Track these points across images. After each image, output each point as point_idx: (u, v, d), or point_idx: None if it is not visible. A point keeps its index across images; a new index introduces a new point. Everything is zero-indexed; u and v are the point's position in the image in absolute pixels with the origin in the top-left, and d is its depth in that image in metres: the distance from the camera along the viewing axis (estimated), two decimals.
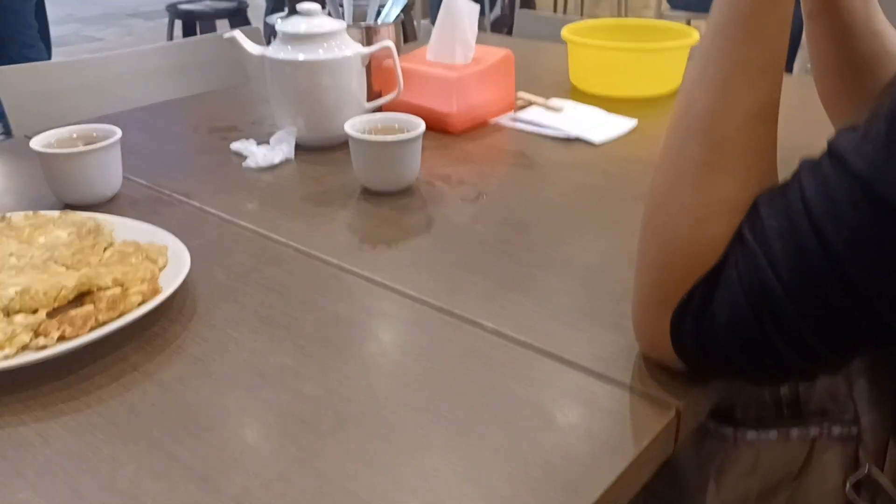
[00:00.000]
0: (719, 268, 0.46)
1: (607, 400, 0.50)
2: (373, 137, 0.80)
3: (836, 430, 0.58)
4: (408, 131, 0.82)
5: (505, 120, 1.04)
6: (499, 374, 0.53)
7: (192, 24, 3.61)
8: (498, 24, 4.16)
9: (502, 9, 4.26)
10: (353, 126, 0.82)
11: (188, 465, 0.45)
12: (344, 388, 0.52)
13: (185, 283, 0.62)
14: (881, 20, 0.72)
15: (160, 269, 0.63)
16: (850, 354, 0.45)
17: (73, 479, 0.44)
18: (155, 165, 0.91)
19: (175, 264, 0.64)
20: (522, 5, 3.88)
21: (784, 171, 0.48)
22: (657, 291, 0.48)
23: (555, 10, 4.48)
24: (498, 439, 0.47)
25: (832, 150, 0.42)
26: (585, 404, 0.50)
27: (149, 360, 0.55)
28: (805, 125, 0.79)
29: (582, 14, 4.49)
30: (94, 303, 0.58)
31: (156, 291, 0.59)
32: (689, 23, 3.23)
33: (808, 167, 0.44)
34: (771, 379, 0.49)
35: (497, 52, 1.03)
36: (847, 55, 0.74)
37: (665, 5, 3.35)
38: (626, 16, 4.08)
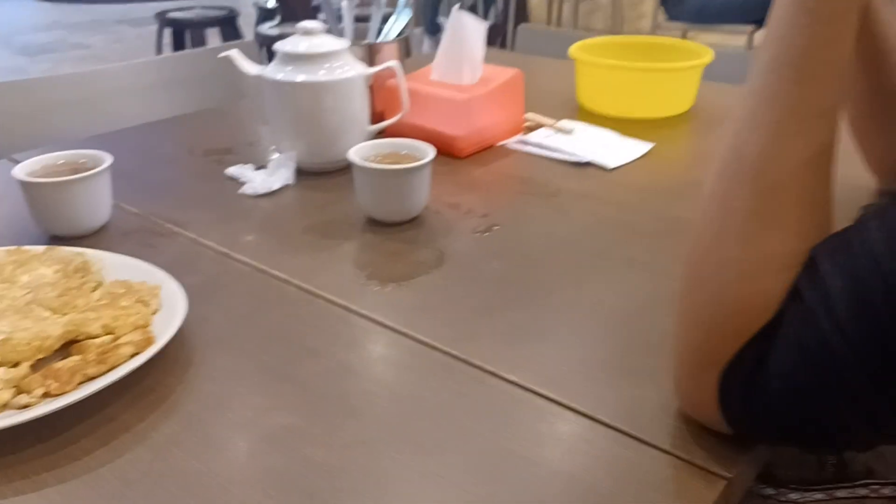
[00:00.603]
0: (773, 328, 0.42)
1: (647, 468, 0.46)
2: (379, 166, 0.76)
3: (887, 490, 0.54)
4: (416, 158, 0.77)
5: (513, 143, 0.99)
6: (523, 435, 0.48)
7: (182, 32, 3.55)
8: (491, 34, 4.13)
9: (496, 18, 4.24)
10: (358, 153, 0.77)
11: None
12: (354, 453, 0.47)
13: (180, 329, 0.57)
14: None
15: (153, 314, 0.59)
16: None
17: None
18: (147, 192, 0.86)
19: (169, 307, 0.59)
20: (517, 14, 3.85)
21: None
22: (702, 352, 0.44)
23: (548, 22, 4.46)
24: None
25: None
26: (623, 473, 0.45)
27: (141, 418, 0.50)
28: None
29: (576, 25, 4.47)
30: (81, 353, 0.53)
31: (149, 341, 0.54)
32: (684, 34, 3.21)
33: (875, 217, 0.40)
34: (831, 448, 0.45)
35: (505, 71, 0.99)
36: (881, 82, 0.70)
37: (661, 17, 3.33)
38: (622, 27, 4.05)
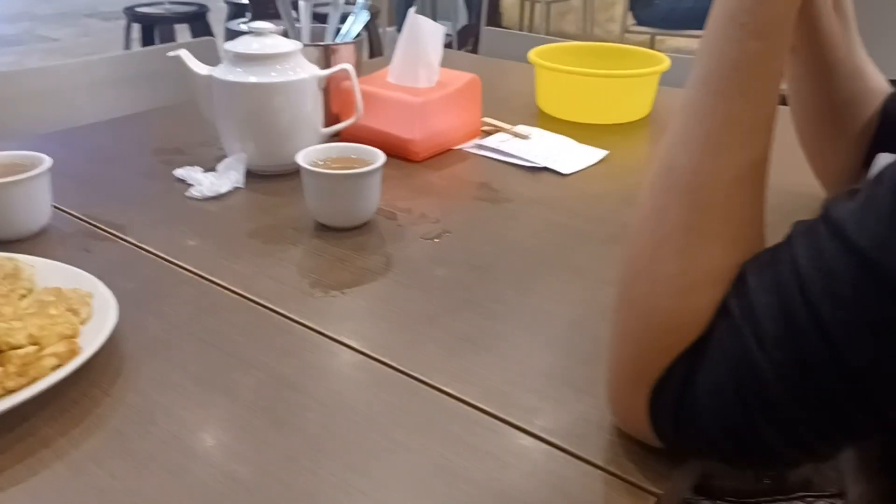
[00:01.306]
0: (702, 343, 0.41)
1: (579, 483, 0.45)
2: (327, 171, 0.74)
3: (822, 503, 0.54)
4: (366, 163, 0.76)
5: (470, 147, 0.99)
6: (459, 452, 0.48)
7: (150, 27, 3.50)
8: (464, 33, 4.12)
9: (469, 18, 4.23)
10: (307, 157, 0.76)
11: None
12: (283, 471, 0.46)
13: (111, 338, 0.55)
14: (862, 57, 0.69)
15: (83, 323, 0.57)
16: (844, 445, 0.40)
17: None
18: (91, 193, 0.84)
19: (100, 316, 0.57)
20: (489, 18, 3.85)
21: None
22: (634, 366, 0.44)
23: (520, 24, 4.46)
24: None
25: (829, 220, 0.38)
26: (554, 488, 0.45)
27: (62, 433, 0.49)
28: (778, 163, 0.75)
29: (548, 27, 4.47)
30: (3, 365, 0.52)
31: (74, 353, 0.52)
32: (652, 39, 3.23)
33: (802, 234, 0.40)
34: (755, 465, 0.45)
35: (463, 76, 0.98)
36: (827, 92, 0.71)
37: (630, 21, 3.35)
38: (593, 29, 4.07)
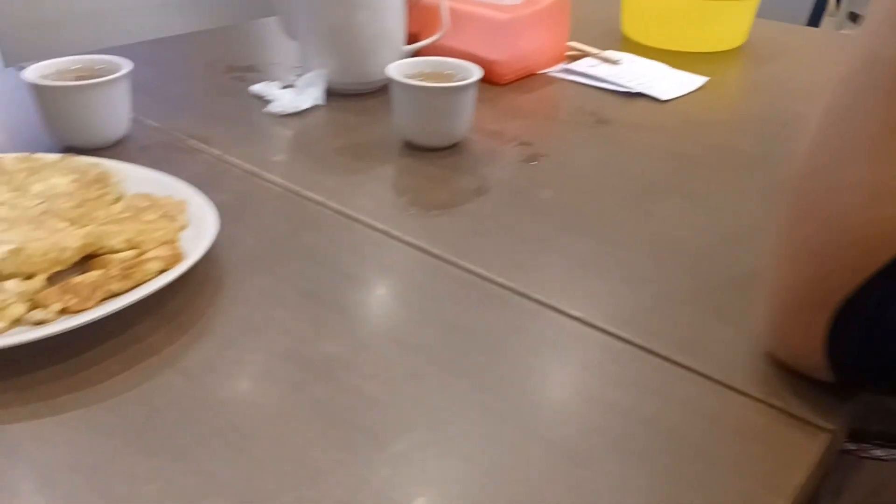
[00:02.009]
0: None
1: (739, 417, 0.41)
2: (423, 83, 0.69)
3: None
4: (461, 78, 0.71)
5: (556, 72, 0.93)
6: (599, 378, 0.44)
7: None
8: None
9: None
10: (398, 70, 0.71)
11: (228, 486, 0.36)
12: (411, 388, 0.42)
13: (209, 248, 0.52)
14: None
15: (181, 230, 0.53)
16: None
17: (80, 500, 0.35)
18: (166, 106, 0.80)
19: (198, 225, 0.54)
20: None
21: None
22: (813, 288, 0.39)
23: None
24: (613, 467, 0.38)
25: None
26: (713, 422, 0.41)
27: (170, 342, 0.45)
28: None
29: None
30: (103, 268, 0.48)
31: (178, 257, 0.49)
32: None
33: None
34: None
35: None
36: None
37: None
38: None
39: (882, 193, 0.37)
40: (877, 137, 0.37)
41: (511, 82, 0.89)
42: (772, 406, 0.41)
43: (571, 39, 0.99)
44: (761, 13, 1.06)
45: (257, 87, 0.83)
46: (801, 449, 0.39)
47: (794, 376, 0.43)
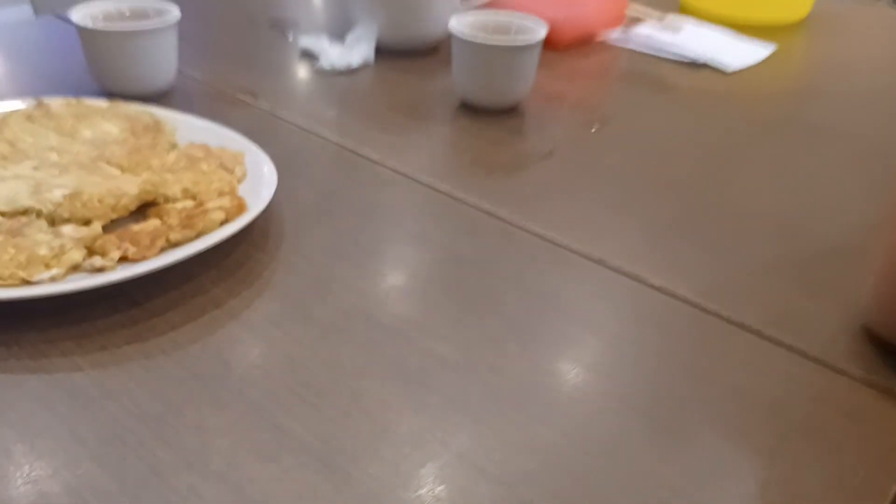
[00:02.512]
0: None
1: (840, 395, 0.38)
2: (488, 40, 0.66)
3: None
4: (524, 34, 0.68)
5: (616, 38, 0.89)
6: (693, 351, 0.41)
7: None
8: None
9: None
10: (461, 24, 0.67)
11: (303, 443, 0.34)
12: (488, 352, 0.40)
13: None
14: None
15: (238, 182, 0.51)
16: None
17: (148, 451, 0.33)
18: (211, 58, 0.77)
19: (255, 176, 0.51)
20: None
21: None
22: None
23: None
24: (711, 441, 0.35)
25: None
26: (814, 399, 0.38)
27: (233, 295, 0.43)
28: None
29: None
30: (161, 217, 0.46)
31: (241, 208, 0.46)
32: None
33: None
34: None
35: None
36: None
37: None
38: None
39: None
40: None
41: (568, 46, 0.86)
42: (874, 386, 0.39)
43: (632, 2, 0.95)
44: None
45: (305, 42, 0.80)
46: None
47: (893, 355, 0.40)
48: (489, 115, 0.68)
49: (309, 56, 0.79)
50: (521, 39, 0.66)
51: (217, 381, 0.37)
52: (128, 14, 0.67)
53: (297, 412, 0.35)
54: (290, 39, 0.78)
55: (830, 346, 0.41)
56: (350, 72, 0.76)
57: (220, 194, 0.48)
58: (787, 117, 0.71)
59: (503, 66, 0.66)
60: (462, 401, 0.37)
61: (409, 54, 0.81)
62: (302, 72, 0.76)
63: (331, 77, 0.75)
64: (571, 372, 0.39)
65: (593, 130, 0.66)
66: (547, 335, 0.41)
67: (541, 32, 0.67)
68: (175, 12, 0.66)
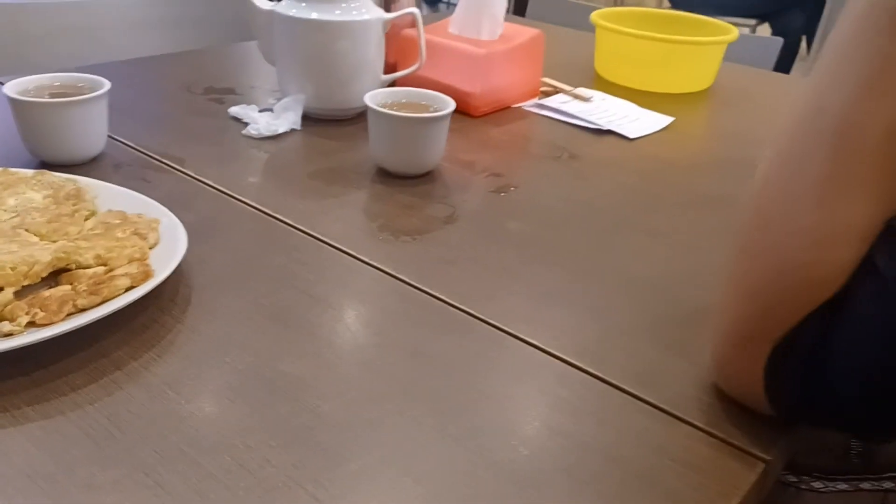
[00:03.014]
0: (841, 302, 0.38)
1: (682, 446, 0.43)
2: (399, 113, 0.71)
3: None
4: (435, 109, 0.73)
5: (529, 106, 0.95)
6: (551, 405, 0.45)
7: None
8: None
9: None
10: (375, 99, 0.73)
11: (183, 499, 0.37)
12: (368, 411, 0.43)
13: (178, 267, 0.53)
14: None
15: (151, 248, 0.54)
16: None
17: None
18: (143, 126, 0.81)
19: (168, 243, 0.55)
20: None
21: None
22: (756, 323, 0.41)
23: None
24: (562, 492, 0.39)
25: None
26: (657, 450, 0.42)
27: (134, 357, 0.46)
28: None
29: None
30: (72, 283, 0.49)
31: (147, 275, 0.50)
32: None
33: None
34: (885, 435, 0.42)
35: (526, 31, 0.95)
36: None
37: (666, 4, 3.28)
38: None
39: (824, 238, 0.39)
40: (821, 185, 0.39)
41: (485, 114, 0.92)
42: (714, 436, 0.43)
43: (546, 76, 1.03)
44: (731, 57, 1.10)
45: (235, 110, 0.85)
46: (738, 477, 0.40)
47: (737, 408, 0.45)
48: (403, 180, 0.73)
49: (239, 123, 0.83)
50: (429, 113, 0.71)
51: (109, 440, 0.40)
52: (58, 86, 0.71)
53: (181, 470, 0.38)
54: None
55: (681, 400, 0.46)
56: (277, 138, 0.81)
57: (131, 261, 0.51)
58: (678, 185, 0.78)
59: (413, 137, 0.72)
60: (339, 457, 0.40)
61: (334, 121, 0.86)
62: (231, 138, 0.80)
63: (258, 143, 0.79)
64: (449, 427, 0.43)
65: (506, 191, 0.71)
66: (427, 392, 0.45)
67: (448, 107, 0.72)
68: (104, 86, 0.70)
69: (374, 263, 0.59)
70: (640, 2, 4.58)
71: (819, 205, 0.39)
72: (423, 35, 0.86)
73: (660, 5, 3.42)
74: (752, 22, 3.01)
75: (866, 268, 0.38)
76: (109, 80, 0.71)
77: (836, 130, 0.39)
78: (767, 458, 0.42)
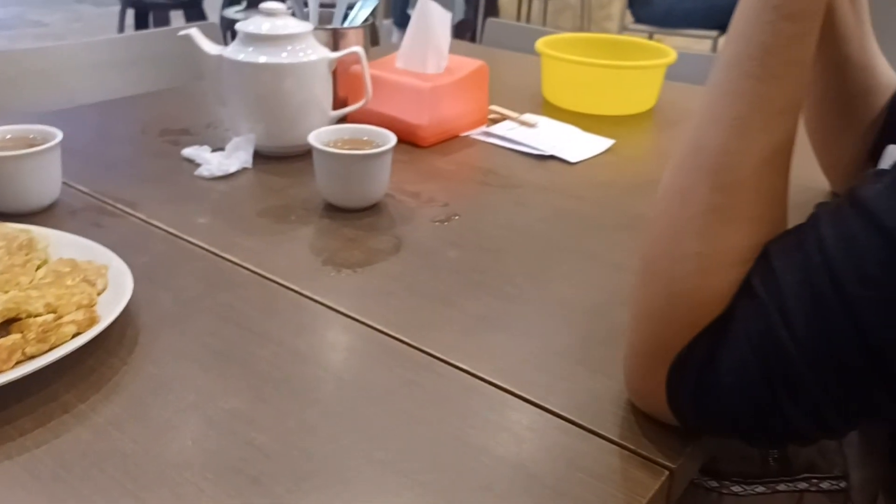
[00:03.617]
0: (724, 321, 0.42)
1: (594, 457, 0.46)
2: (339, 151, 0.75)
3: (825, 485, 0.55)
4: (377, 145, 0.76)
5: (477, 134, 0.99)
6: (476, 426, 0.48)
7: (145, 13, 3.47)
8: (461, 28, 4.12)
9: (465, 13, 4.23)
10: (318, 138, 0.76)
11: None
12: (303, 440, 0.46)
13: (126, 309, 0.55)
14: (874, 52, 0.70)
15: (99, 293, 0.57)
16: (860, 423, 0.41)
17: None
18: (98, 171, 0.84)
19: (116, 288, 0.58)
20: (487, 10, 3.85)
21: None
22: (653, 344, 0.44)
23: (518, 18, 4.47)
24: None
25: (856, 201, 0.39)
26: (569, 462, 0.46)
27: (82, 399, 0.49)
28: None
29: (545, 23, 4.48)
30: (22, 332, 0.52)
31: (93, 321, 0.53)
32: (651, 37, 3.25)
33: (828, 215, 0.40)
34: (773, 443, 0.46)
35: (471, 62, 0.99)
36: (838, 85, 0.72)
37: (629, 19, 3.36)
38: (589, 26, 4.08)
39: (708, 265, 0.43)
40: (702, 216, 0.43)
41: (433, 145, 0.95)
42: (625, 448, 0.47)
43: (498, 101, 1.07)
44: (678, 76, 1.14)
45: (188, 151, 0.88)
46: (642, 486, 0.44)
47: (648, 421, 0.48)
48: (350, 213, 0.76)
49: (192, 164, 0.86)
50: (371, 149, 0.75)
51: (56, 481, 0.42)
52: (9, 138, 0.73)
53: None
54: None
55: (599, 415, 0.49)
56: (228, 177, 0.84)
57: (79, 308, 0.54)
58: (615, 206, 0.81)
59: (356, 172, 0.75)
60: (273, 486, 0.43)
61: (286, 158, 0.89)
62: (184, 179, 0.83)
63: (210, 184, 0.82)
64: (377, 453, 0.46)
65: (448, 220, 0.75)
66: (359, 420, 0.48)
67: (390, 142, 0.76)
68: (56, 137, 0.73)
69: (316, 297, 0.62)
70: (606, 16, 4.68)
71: (702, 234, 0.42)
72: (367, 71, 0.90)
73: (622, 20, 3.49)
74: (715, 34, 3.08)
75: (744, 289, 0.41)
76: (67, 125, 0.74)
77: (713, 165, 0.42)
78: (672, 466, 0.45)
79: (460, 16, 4.24)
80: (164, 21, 3.51)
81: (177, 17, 3.58)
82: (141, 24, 3.48)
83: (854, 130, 0.72)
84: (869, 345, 0.37)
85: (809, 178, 0.82)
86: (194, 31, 0.87)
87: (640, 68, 1.07)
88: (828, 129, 0.75)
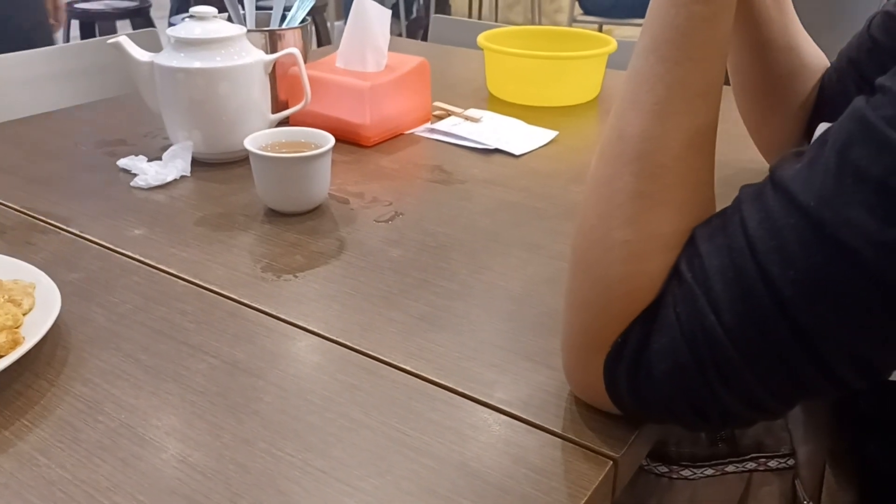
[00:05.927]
0: (655, 308, 0.42)
1: (538, 451, 0.45)
2: (276, 154, 0.73)
3: (773, 463, 0.55)
4: (316, 147, 0.75)
5: (421, 131, 0.98)
6: (418, 427, 0.47)
7: (91, 24, 3.40)
8: (413, 26, 4.11)
9: (417, 11, 4.22)
10: (255, 142, 0.74)
11: None
12: (239, 454, 0.45)
13: (55, 328, 0.54)
14: (798, 33, 0.71)
15: (25, 314, 0.55)
16: (795, 403, 0.41)
17: None
18: (31, 187, 0.81)
19: (43, 306, 0.55)
20: (437, 8, 3.84)
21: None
22: (588, 333, 0.44)
23: (469, 14, 4.47)
24: None
25: (776, 181, 0.39)
26: (514, 457, 0.45)
27: (7, 425, 0.47)
28: (726, 138, 0.77)
29: (496, 18, 4.49)
30: None
31: (16, 343, 0.50)
32: (600, 28, 3.27)
33: (750, 197, 0.40)
34: (711, 427, 0.45)
35: (411, 59, 0.98)
36: (764, 68, 0.72)
37: (578, 10, 3.38)
38: (540, 19, 4.09)
39: (637, 252, 0.42)
40: (629, 204, 0.42)
41: (377, 144, 0.94)
42: (568, 440, 0.46)
43: (443, 97, 1.06)
44: (622, 65, 1.15)
45: (124, 162, 0.85)
46: (586, 478, 0.43)
47: (591, 412, 0.48)
48: (291, 218, 0.75)
49: (129, 175, 0.84)
50: (309, 151, 0.73)
51: None
52: None
53: None
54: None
55: (541, 408, 0.49)
56: (166, 187, 0.82)
57: (2, 329, 0.52)
58: (557, 197, 0.81)
59: (295, 175, 0.73)
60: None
61: (225, 164, 0.87)
62: (119, 191, 0.81)
63: (147, 194, 0.80)
64: (317, 461, 0.45)
65: (392, 219, 0.74)
66: (299, 430, 0.47)
67: (328, 144, 0.74)
68: None
69: (255, 305, 0.60)
70: (557, 9, 4.70)
71: (629, 222, 0.42)
72: (304, 72, 0.88)
73: (572, 12, 3.51)
74: None
75: (673, 274, 0.41)
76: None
77: (636, 152, 0.42)
78: (616, 456, 0.45)
79: (413, 14, 4.23)
80: (110, 31, 3.43)
81: (124, 26, 3.51)
82: (87, 34, 3.39)
83: (785, 111, 0.72)
84: (795, 325, 0.36)
85: (749, 159, 0.83)
86: (123, 39, 0.85)
87: (580, 58, 1.07)
88: (758, 112, 0.76)
